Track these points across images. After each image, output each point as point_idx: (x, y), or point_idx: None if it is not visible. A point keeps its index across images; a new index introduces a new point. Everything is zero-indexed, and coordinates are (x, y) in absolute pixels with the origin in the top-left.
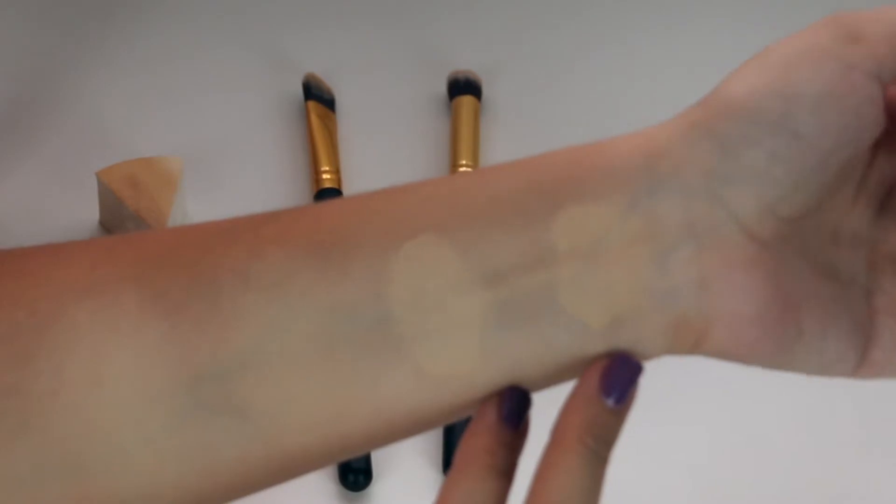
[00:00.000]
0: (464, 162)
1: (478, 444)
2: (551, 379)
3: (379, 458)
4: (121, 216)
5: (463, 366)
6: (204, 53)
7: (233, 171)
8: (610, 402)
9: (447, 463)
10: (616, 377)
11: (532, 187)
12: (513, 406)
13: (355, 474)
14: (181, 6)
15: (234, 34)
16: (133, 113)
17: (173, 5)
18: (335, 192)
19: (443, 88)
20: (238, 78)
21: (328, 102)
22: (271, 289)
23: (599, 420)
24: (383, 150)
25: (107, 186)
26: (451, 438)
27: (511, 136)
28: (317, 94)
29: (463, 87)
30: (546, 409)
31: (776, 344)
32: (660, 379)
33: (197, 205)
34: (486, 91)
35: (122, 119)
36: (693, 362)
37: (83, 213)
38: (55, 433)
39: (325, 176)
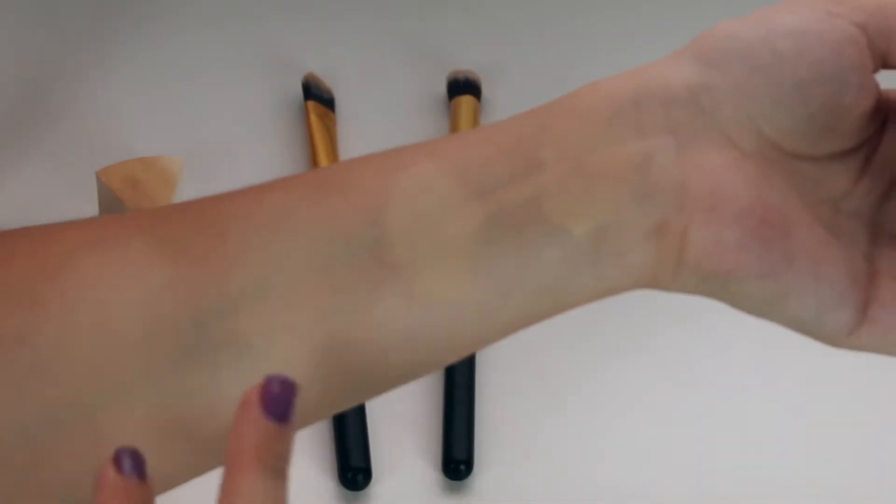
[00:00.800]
0: None
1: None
2: (538, 303)
3: (379, 457)
4: None
5: (453, 286)
6: (204, 53)
7: (233, 170)
8: (275, 422)
9: (447, 463)
10: (275, 398)
11: (524, 117)
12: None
13: (355, 473)
14: (181, 7)
15: (234, 34)
16: (133, 113)
17: (173, 6)
18: None
19: (443, 88)
20: (238, 78)
21: (328, 102)
22: (273, 222)
23: (271, 439)
24: (383, 149)
25: (107, 186)
26: (451, 438)
27: None
28: (316, 94)
29: (463, 87)
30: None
31: (760, 258)
32: (660, 379)
33: None
34: (485, 91)
35: (122, 119)
36: (696, 362)
37: (83, 213)
38: (63, 379)
39: None
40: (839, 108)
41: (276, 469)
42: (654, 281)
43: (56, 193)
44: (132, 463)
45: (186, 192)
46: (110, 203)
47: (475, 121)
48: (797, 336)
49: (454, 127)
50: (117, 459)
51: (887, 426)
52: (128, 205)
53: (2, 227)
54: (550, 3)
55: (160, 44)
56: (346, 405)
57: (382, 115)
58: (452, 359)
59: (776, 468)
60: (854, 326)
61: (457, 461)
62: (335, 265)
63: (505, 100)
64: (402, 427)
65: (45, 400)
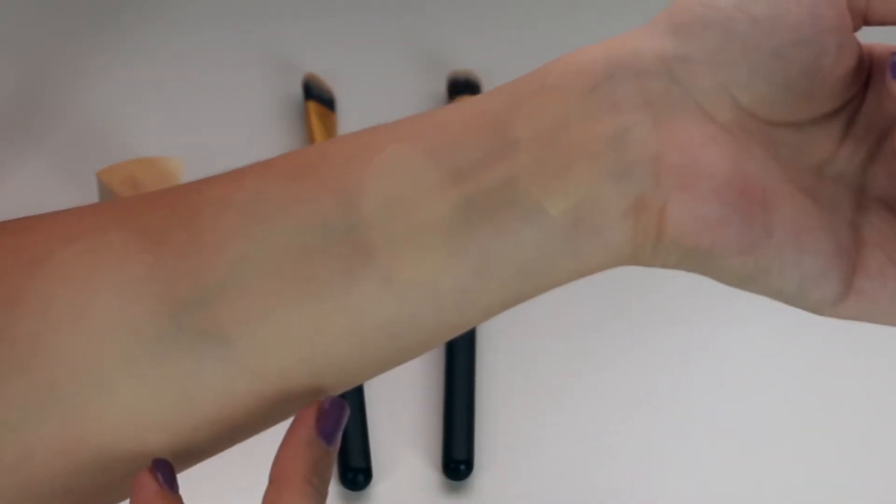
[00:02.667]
0: None
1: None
2: (517, 285)
3: (379, 457)
4: None
5: (429, 269)
6: (204, 53)
7: None
8: (325, 443)
9: (447, 463)
10: (330, 420)
11: (497, 93)
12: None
13: (355, 474)
14: (181, 6)
15: (234, 34)
16: (133, 113)
17: (174, 5)
18: None
19: (443, 88)
20: (238, 78)
21: (328, 102)
22: (249, 209)
23: (320, 461)
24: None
25: (107, 186)
26: (451, 438)
27: None
28: (317, 94)
29: (463, 87)
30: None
31: (741, 234)
32: (660, 379)
33: None
34: (485, 91)
35: (122, 119)
36: (696, 363)
37: None
38: (42, 375)
39: None
40: (819, 71)
41: (321, 492)
42: (634, 258)
43: (56, 193)
44: (166, 475)
45: None
46: None
47: None
48: (798, 335)
49: None
50: (154, 469)
51: (889, 426)
52: None
53: None
54: (550, 4)
55: (160, 44)
56: (327, 394)
57: (383, 115)
58: (434, 343)
59: (776, 468)
60: (840, 296)
61: (457, 461)
62: (311, 251)
63: None
64: (402, 427)
65: (25, 396)
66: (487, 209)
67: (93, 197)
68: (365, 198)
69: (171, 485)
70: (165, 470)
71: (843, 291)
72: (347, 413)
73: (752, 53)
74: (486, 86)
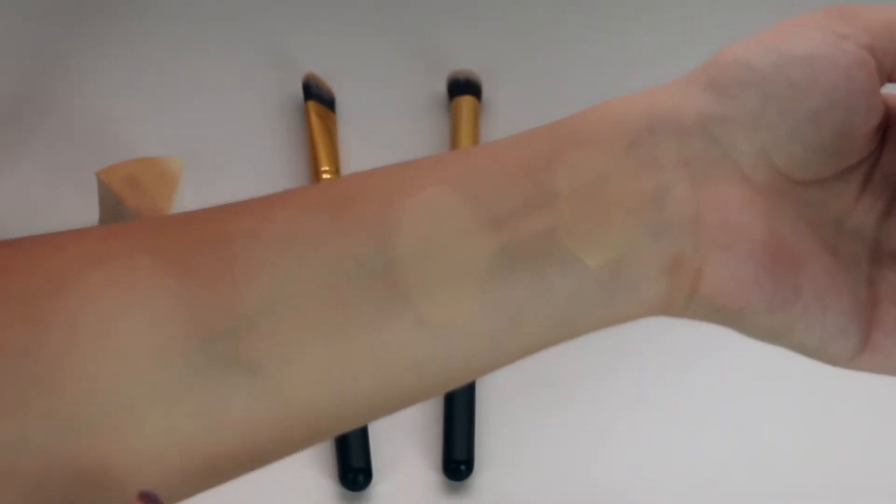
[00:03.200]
0: None
1: None
2: (549, 332)
3: (379, 458)
4: (121, 216)
5: (464, 313)
6: (204, 53)
7: (233, 170)
8: None
9: (447, 463)
10: None
11: (535, 141)
12: None
13: (355, 474)
14: (181, 6)
15: (234, 34)
16: (133, 113)
17: (173, 5)
18: None
19: (443, 88)
20: (238, 78)
21: (328, 102)
22: (281, 242)
23: None
24: (383, 149)
25: (107, 186)
26: (452, 438)
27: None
28: (317, 94)
29: (463, 87)
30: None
31: (772, 295)
32: (661, 380)
33: (197, 205)
34: (486, 91)
35: (122, 119)
36: (696, 363)
37: (83, 213)
38: (66, 394)
39: (325, 176)
40: (848, 132)
41: None
42: (666, 311)
43: (56, 193)
44: None
45: (186, 192)
46: (110, 203)
47: (476, 121)
48: None
49: (454, 127)
50: (143, 499)
51: (890, 427)
52: (128, 205)
53: (2, 226)
54: (551, 3)
55: (161, 44)
56: (351, 427)
57: (383, 115)
58: (459, 384)
59: (777, 470)
60: (857, 351)
61: (457, 461)
62: (344, 288)
63: (505, 100)
64: (402, 427)
65: (49, 413)
66: (524, 258)
67: (93, 197)
68: (401, 238)
69: None
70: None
71: (860, 347)
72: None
73: (789, 116)
74: (487, 86)
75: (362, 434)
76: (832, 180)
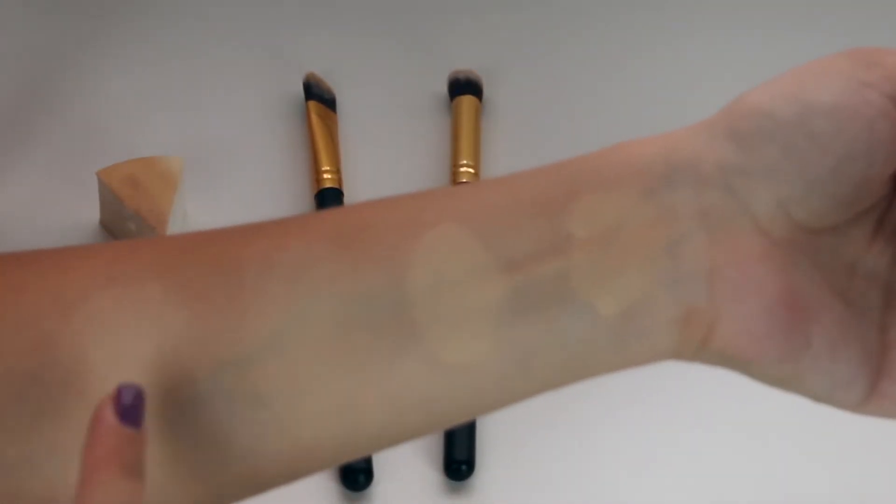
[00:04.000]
0: (464, 162)
1: (103, 446)
2: (558, 375)
3: (380, 458)
4: (121, 216)
5: (475, 354)
6: (204, 53)
7: (233, 170)
8: (130, 428)
9: (448, 463)
10: (128, 406)
11: (551, 179)
12: (129, 404)
13: (356, 474)
14: (181, 6)
15: (234, 34)
16: (133, 113)
17: (173, 5)
18: (336, 192)
19: (443, 88)
20: (238, 78)
21: (329, 102)
22: (294, 276)
23: (126, 444)
24: (384, 149)
25: (107, 186)
26: (453, 439)
27: (512, 135)
28: (317, 94)
29: (463, 87)
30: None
31: (784, 347)
32: (663, 380)
33: (197, 205)
34: (486, 91)
35: (122, 119)
36: (698, 368)
37: (83, 213)
38: (74, 419)
39: (325, 176)
40: (867, 181)
41: (135, 470)
42: (676, 357)
43: (56, 193)
44: (129, 407)
45: (186, 192)
46: (110, 203)
47: (476, 121)
48: None
49: (455, 127)
50: (116, 398)
51: (892, 429)
52: (128, 205)
53: (2, 227)
54: (551, 3)
55: (161, 44)
56: (355, 458)
57: (383, 115)
58: (469, 419)
59: (778, 473)
60: (865, 399)
61: (458, 461)
62: (355, 324)
63: (505, 100)
64: None
65: (55, 439)
66: (537, 301)
67: (93, 197)
68: (413, 275)
69: (135, 419)
70: (130, 399)
71: (868, 394)
72: (144, 396)
73: (810, 169)
74: (487, 86)
75: None
76: (845, 225)
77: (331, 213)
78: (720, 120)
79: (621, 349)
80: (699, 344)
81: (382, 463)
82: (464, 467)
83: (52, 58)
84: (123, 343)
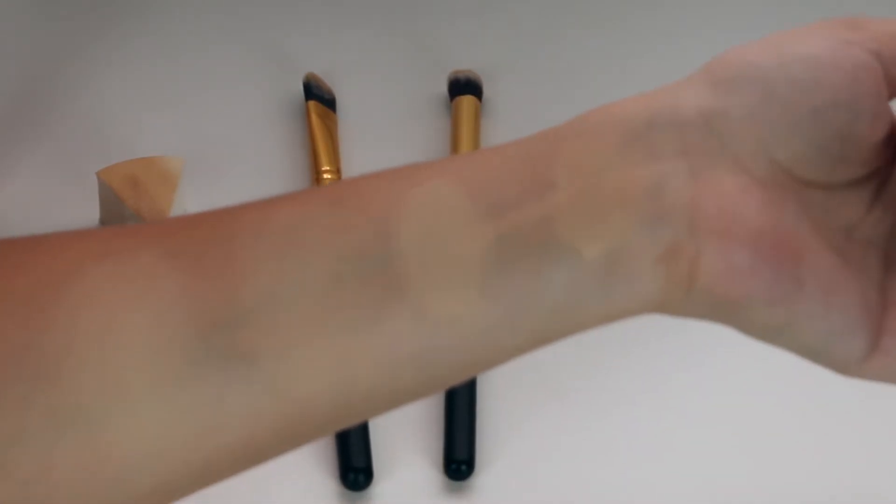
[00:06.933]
0: None
1: None
2: (546, 326)
3: (380, 458)
4: (121, 216)
5: (462, 306)
6: (204, 53)
7: (233, 170)
8: None
9: (448, 463)
10: None
11: (538, 137)
12: None
13: (356, 474)
14: (181, 6)
15: (234, 34)
16: (133, 113)
17: (173, 5)
18: None
19: (443, 88)
20: (238, 78)
21: (329, 102)
22: (284, 236)
23: None
24: (384, 149)
25: (107, 186)
26: (452, 438)
27: (512, 136)
28: (317, 94)
29: (463, 87)
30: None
31: (772, 283)
32: (663, 380)
33: (197, 205)
34: (486, 91)
35: (122, 119)
36: (697, 363)
37: (83, 213)
38: (67, 389)
39: (325, 176)
40: (854, 135)
41: None
42: (664, 305)
43: (56, 193)
44: None
45: (186, 192)
46: (110, 203)
47: (476, 121)
48: None
49: (455, 127)
50: None
51: (892, 426)
52: (128, 204)
53: (2, 227)
54: (551, 3)
55: (161, 44)
56: (351, 422)
57: (383, 115)
58: (459, 379)
59: (778, 473)
60: (865, 356)
61: (458, 461)
62: (346, 280)
63: (505, 100)
64: (403, 427)
65: (50, 408)
66: (522, 249)
67: (93, 197)
68: (402, 229)
69: None
70: None
71: (869, 350)
72: None
73: (790, 112)
74: (487, 86)
75: (363, 433)
76: (840, 189)
77: (326, 185)
78: (701, 72)
79: (608, 296)
80: (685, 286)
81: (382, 463)
82: (464, 467)
83: (53, 58)
84: (116, 312)
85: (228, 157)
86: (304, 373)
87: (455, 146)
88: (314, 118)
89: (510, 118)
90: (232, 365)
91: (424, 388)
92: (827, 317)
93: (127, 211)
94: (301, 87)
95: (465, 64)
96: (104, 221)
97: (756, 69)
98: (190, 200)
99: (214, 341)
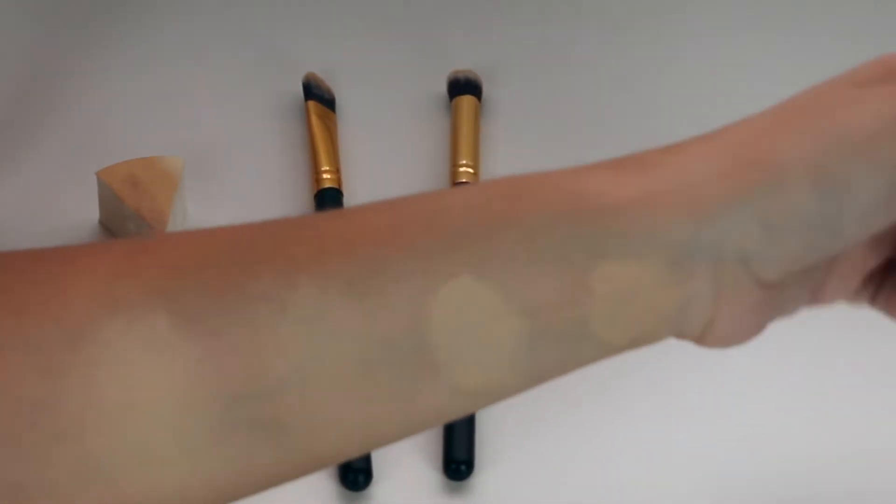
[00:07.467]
0: (464, 162)
1: None
2: (564, 375)
3: (379, 457)
4: (121, 216)
5: (495, 381)
6: (204, 53)
7: (233, 170)
8: None
9: (448, 463)
10: None
11: (574, 234)
12: None
13: (355, 474)
14: (181, 6)
15: (234, 34)
16: (133, 113)
17: (173, 5)
18: (335, 192)
19: (443, 88)
20: (238, 78)
21: (328, 102)
22: (309, 320)
23: None
24: (383, 149)
25: (107, 186)
26: (452, 439)
27: (512, 136)
28: (317, 94)
29: (463, 87)
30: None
31: (750, 336)
32: (663, 381)
33: (197, 205)
34: (486, 91)
35: (122, 119)
36: (698, 363)
37: (83, 213)
38: (89, 446)
39: (325, 176)
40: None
41: None
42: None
43: (56, 193)
44: None
45: (186, 192)
46: (110, 203)
47: (476, 121)
48: (802, 344)
49: (454, 127)
50: None
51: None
52: (128, 205)
53: (2, 227)
54: (551, 3)
55: (160, 43)
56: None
57: (383, 115)
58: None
59: (778, 474)
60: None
61: (457, 461)
62: (376, 363)
63: (505, 100)
64: None
65: (71, 463)
66: (555, 340)
67: (93, 197)
68: (433, 325)
69: None
70: None
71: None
72: None
73: (826, 253)
74: (487, 86)
75: None
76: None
77: (337, 240)
78: (747, 189)
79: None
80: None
81: (382, 463)
82: (463, 467)
83: (53, 58)
84: (136, 379)
85: (228, 157)
86: (332, 440)
87: (455, 146)
88: (314, 118)
89: (510, 118)
90: (259, 430)
91: (440, 426)
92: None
93: (127, 211)
94: (301, 87)
95: (465, 64)
96: (104, 221)
97: (809, 226)
98: (190, 200)
99: (241, 411)
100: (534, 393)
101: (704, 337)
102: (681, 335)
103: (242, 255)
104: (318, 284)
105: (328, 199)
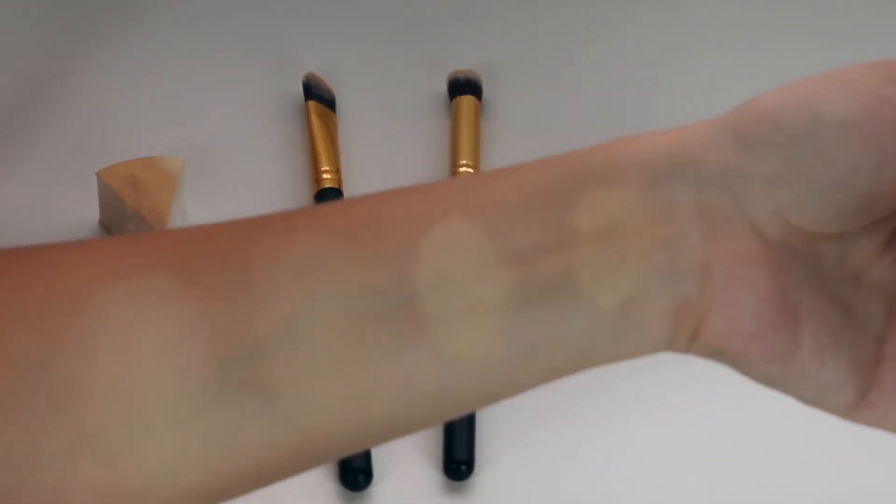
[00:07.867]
0: (464, 162)
1: None
2: (560, 367)
3: (379, 457)
4: (121, 216)
5: (481, 347)
6: (204, 53)
7: (233, 170)
8: None
9: (448, 463)
10: None
11: (558, 171)
12: None
13: (355, 474)
14: (181, 6)
15: (233, 34)
16: (133, 113)
17: (173, 5)
18: (335, 192)
19: (443, 88)
20: (238, 78)
21: (328, 102)
22: (302, 271)
23: None
24: (384, 149)
25: (107, 186)
26: (452, 438)
27: (512, 135)
28: (317, 94)
29: (463, 87)
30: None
31: (771, 347)
32: (663, 380)
33: (197, 205)
34: (486, 91)
35: (122, 119)
36: (698, 364)
37: (83, 213)
38: (81, 413)
39: (325, 176)
40: (875, 195)
41: None
42: (669, 349)
43: (56, 193)
44: None
45: (186, 192)
46: (110, 203)
47: (476, 121)
48: None
49: (454, 127)
50: None
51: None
52: (128, 205)
53: (2, 227)
54: (551, 3)
55: (160, 43)
56: (361, 449)
57: (383, 115)
58: (470, 411)
59: (779, 473)
60: (852, 407)
61: (457, 461)
62: (364, 318)
63: (505, 100)
64: None
65: (63, 432)
66: (541, 294)
67: (93, 197)
68: (420, 270)
69: None
70: None
71: (857, 402)
72: None
73: (812, 180)
74: (487, 86)
75: None
76: (855, 234)
77: (337, 206)
78: (729, 120)
79: (619, 341)
80: (690, 337)
81: (382, 463)
82: (463, 467)
83: (53, 58)
84: (131, 338)
85: (228, 157)
86: (320, 409)
87: (455, 146)
88: (314, 118)
89: (510, 118)
90: (249, 396)
91: (435, 419)
92: (819, 374)
93: (127, 211)
94: (301, 87)
95: (465, 64)
96: (104, 221)
97: (783, 133)
98: (190, 200)
99: (232, 372)
100: (534, 393)
101: (705, 296)
102: (675, 294)
103: (244, 229)
104: (315, 237)
105: (328, 199)
